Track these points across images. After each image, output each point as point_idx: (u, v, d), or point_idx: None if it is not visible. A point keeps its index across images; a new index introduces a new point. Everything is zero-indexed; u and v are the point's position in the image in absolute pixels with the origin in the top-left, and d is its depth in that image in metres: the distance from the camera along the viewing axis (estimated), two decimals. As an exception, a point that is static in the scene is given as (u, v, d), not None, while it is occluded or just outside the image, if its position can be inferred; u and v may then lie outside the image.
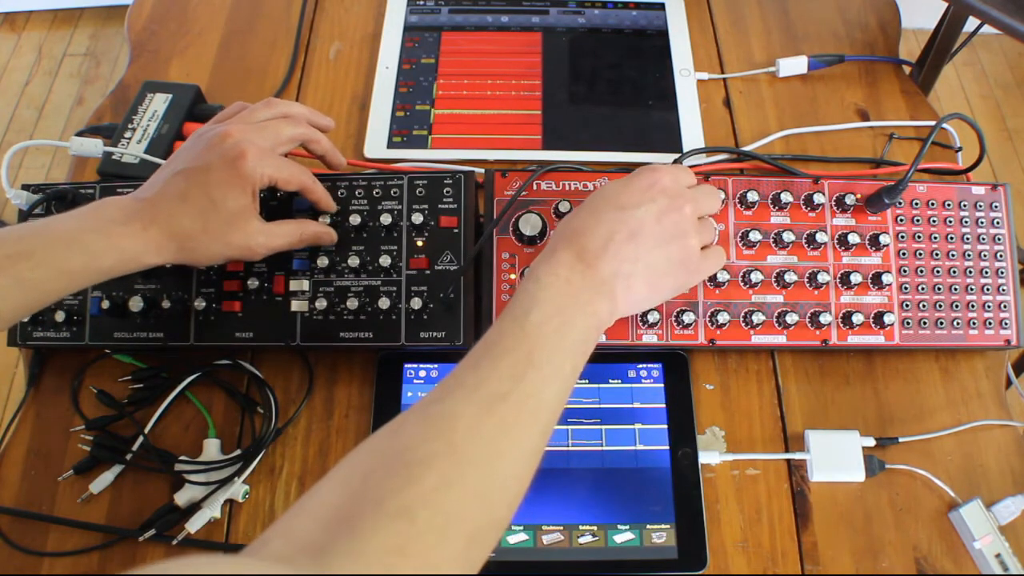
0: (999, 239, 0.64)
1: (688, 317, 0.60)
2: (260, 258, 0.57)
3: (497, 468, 0.40)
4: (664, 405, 0.60)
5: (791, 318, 0.60)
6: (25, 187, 0.64)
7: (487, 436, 0.40)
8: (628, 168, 0.68)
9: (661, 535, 0.56)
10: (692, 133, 0.75)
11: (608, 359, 0.62)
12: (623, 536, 0.56)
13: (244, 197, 0.54)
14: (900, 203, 0.64)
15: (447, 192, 0.63)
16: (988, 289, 0.63)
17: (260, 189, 0.55)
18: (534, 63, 0.79)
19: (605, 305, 0.48)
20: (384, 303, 0.60)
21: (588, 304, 0.47)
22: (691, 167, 0.60)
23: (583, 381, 0.61)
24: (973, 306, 0.62)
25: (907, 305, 0.62)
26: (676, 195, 0.51)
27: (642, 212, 0.49)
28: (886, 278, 0.61)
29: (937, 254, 0.63)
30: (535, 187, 0.63)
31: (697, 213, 0.52)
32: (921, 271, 0.63)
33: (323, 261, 0.61)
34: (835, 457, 0.59)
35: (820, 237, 0.61)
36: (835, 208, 0.63)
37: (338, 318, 0.60)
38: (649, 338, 0.61)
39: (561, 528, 0.56)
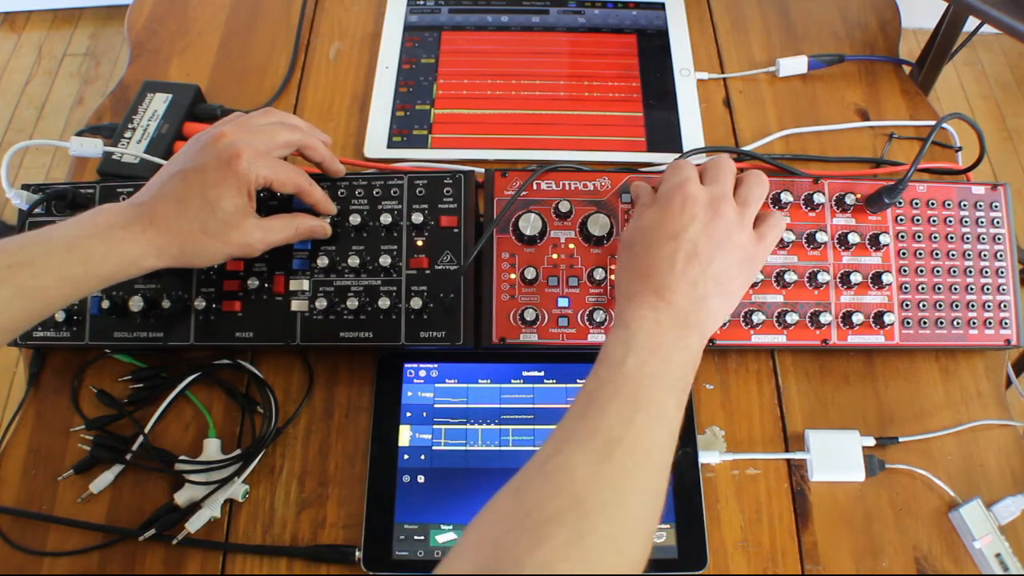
0: (999, 239, 0.64)
1: (688, 317, 0.60)
2: (259, 254, 0.57)
3: (623, 512, 0.41)
4: (664, 405, 0.60)
5: (791, 318, 0.60)
6: (25, 187, 0.64)
7: (609, 482, 0.41)
8: (628, 168, 0.69)
9: (661, 535, 0.56)
10: (692, 133, 0.75)
11: (608, 359, 0.62)
12: (623, 536, 0.56)
13: (240, 197, 0.54)
14: (900, 203, 0.64)
15: (447, 192, 0.63)
16: (988, 289, 0.63)
17: (256, 190, 0.55)
18: (534, 63, 0.79)
19: (695, 336, 0.49)
20: (384, 303, 0.60)
21: (680, 340, 0.48)
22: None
23: (583, 381, 0.61)
24: (973, 306, 0.62)
25: (907, 305, 0.62)
26: (709, 201, 0.51)
27: (692, 232, 0.49)
28: (886, 278, 0.61)
29: (937, 254, 0.63)
30: (535, 187, 0.63)
31: (729, 197, 0.52)
32: (921, 271, 0.63)
33: (323, 261, 0.61)
34: (835, 457, 0.59)
35: (820, 237, 0.61)
36: (835, 208, 0.63)
37: (338, 318, 0.60)
38: (649, 338, 0.61)
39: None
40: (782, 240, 0.61)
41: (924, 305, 0.62)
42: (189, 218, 0.53)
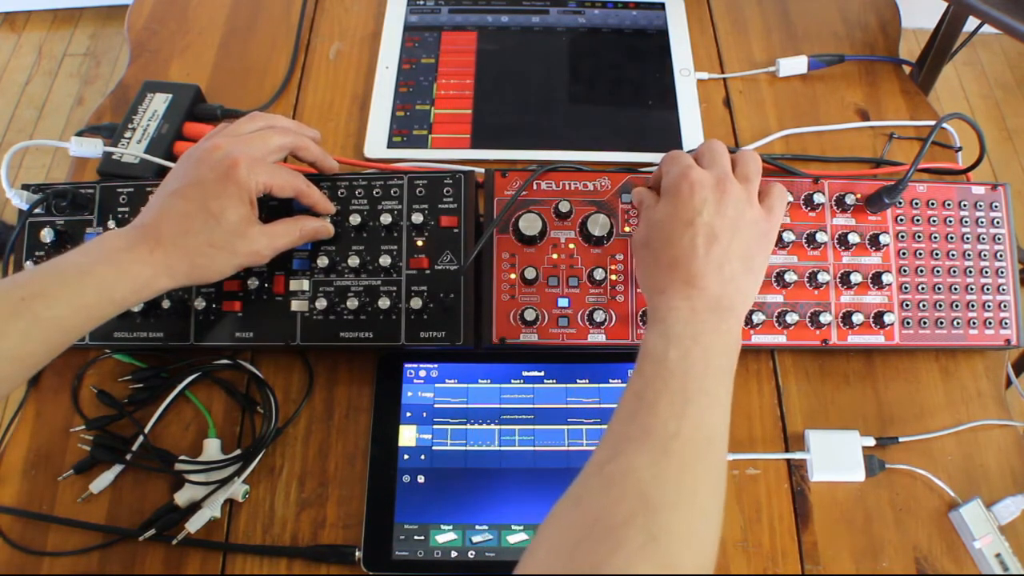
0: (999, 239, 0.64)
1: (688, 317, 0.60)
2: (267, 261, 0.57)
3: (692, 506, 0.41)
4: (664, 405, 0.60)
5: (791, 318, 0.60)
6: (25, 187, 0.64)
7: (672, 479, 0.41)
8: (628, 168, 0.69)
9: (661, 535, 0.56)
10: (692, 133, 0.75)
11: (609, 359, 0.62)
12: (623, 536, 0.56)
13: (243, 206, 0.54)
14: (900, 203, 0.64)
15: (447, 192, 0.63)
16: (988, 289, 0.63)
17: (256, 196, 0.55)
18: (533, 63, 0.79)
19: (732, 319, 0.49)
20: (384, 303, 0.60)
21: (720, 323, 0.48)
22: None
23: (583, 381, 0.61)
24: (973, 306, 0.62)
25: (907, 305, 0.62)
26: (714, 183, 0.51)
27: (705, 216, 0.49)
28: (886, 278, 0.61)
29: (937, 254, 0.63)
30: (535, 187, 0.63)
31: (732, 176, 0.51)
32: (921, 271, 0.63)
33: (323, 261, 0.61)
34: (835, 457, 0.59)
35: (820, 237, 0.61)
36: (835, 208, 0.63)
37: (338, 318, 0.60)
38: (649, 338, 0.61)
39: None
40: (782, 240, 0.61)
41: (924, 305, 0.62)
42: (195, 233, 0.53)
